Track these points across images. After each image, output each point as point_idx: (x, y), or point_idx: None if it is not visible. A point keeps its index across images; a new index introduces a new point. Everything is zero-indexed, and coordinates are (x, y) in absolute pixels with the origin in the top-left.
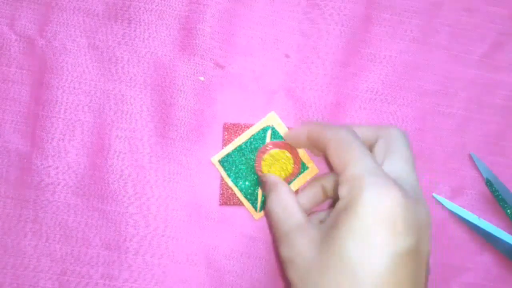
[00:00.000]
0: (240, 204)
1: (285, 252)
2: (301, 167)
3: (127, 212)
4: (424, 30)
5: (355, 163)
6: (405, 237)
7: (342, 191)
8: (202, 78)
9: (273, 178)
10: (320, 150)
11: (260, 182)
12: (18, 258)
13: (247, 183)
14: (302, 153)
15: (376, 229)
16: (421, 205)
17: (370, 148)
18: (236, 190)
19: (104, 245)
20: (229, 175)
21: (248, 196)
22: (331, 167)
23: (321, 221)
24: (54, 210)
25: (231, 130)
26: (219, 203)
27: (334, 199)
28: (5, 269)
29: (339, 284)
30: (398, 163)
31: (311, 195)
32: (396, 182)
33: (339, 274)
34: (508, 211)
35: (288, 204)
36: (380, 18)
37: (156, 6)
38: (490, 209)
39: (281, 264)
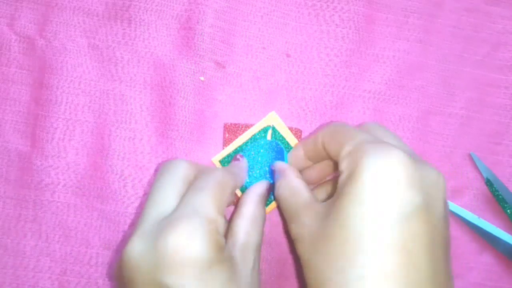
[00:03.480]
0: None
1: (294, 229)
2: None
3: (126, 212)
4: (426, 30)
5: (351, 138)
6: (409, 195)
7: (342, 166)
8: (202, 78)
9: (280, 165)
10: (319, 154)
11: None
12: (18, 258)
13: (246, 183)
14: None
15: (377, 191)
16: (428, 168)
17: None
18: (236, 190)
19: (104, 245)
20: None
21: None
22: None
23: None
24: (54, 210)
25: (232, 130)
26: None
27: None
28: (5, 269)
29: (343, 253)
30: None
31: (321, 169)
32: (396, 146)
33: (343, 243)
34: (508, 211)
35: (295, 186)
36: (382, 18)
37: (156, 6)
38: (490, 209)
39: (292, 244)
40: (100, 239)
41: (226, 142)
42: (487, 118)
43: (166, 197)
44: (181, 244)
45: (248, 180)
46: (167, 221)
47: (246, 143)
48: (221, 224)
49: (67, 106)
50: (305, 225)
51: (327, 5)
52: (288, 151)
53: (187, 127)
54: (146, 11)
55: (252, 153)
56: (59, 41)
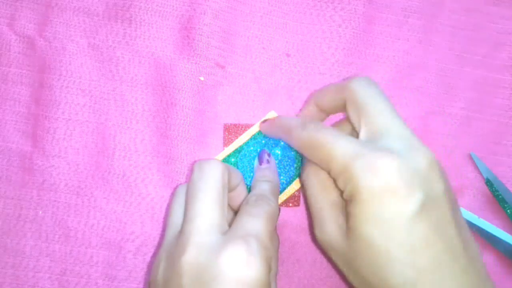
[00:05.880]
0: None
1: (319, 234)
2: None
3: (127, 212)
4: (426, 30)
5: (335, 154)
6: (411, 196)
7: (340, 185)
8: (202, 78)
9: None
10: (338, 104)
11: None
12: (18, 258)
13: (248, 183)
14: None
15: (382, 206)
16: (415, 150)
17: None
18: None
19: (104, 245)
20: None
21: None
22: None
23: None
24: (54, 210)
25: (232, 130)
26: None
27: None
28: (5, 269)
29: (379, 265)
30: (375, 119)
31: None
32: (380, 148)
33: (371, 257)
34: (508, 211)
35: (326, 180)
36: (382, 18)
37: (157, 6)
38: (490, 209)
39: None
40: (101, 239)
41: (226, 142)
42: (487, 118)
43: (212, 208)
44: (241, 264)
45: (250, 179)
46: (227, 239)
47: (246, 143)
48: (272, 251)
49: (67, 106)
50: (329, 233)
51: (327, 5)
52: (288, 150)
53: (188, 127)
54: (147, 11)
55: (253, 153)
56: (59, 41)
